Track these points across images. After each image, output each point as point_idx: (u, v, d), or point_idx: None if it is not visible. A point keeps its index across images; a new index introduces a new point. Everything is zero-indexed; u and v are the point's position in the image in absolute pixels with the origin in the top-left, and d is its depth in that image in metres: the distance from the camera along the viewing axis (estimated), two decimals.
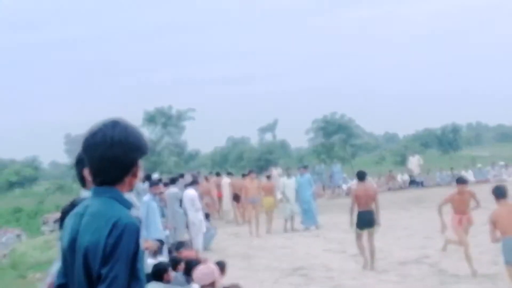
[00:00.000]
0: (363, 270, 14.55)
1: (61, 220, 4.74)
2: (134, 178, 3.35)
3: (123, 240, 3.10)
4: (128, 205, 3.31)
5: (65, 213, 4.49)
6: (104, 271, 3.07)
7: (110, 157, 3.23)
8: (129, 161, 3.28)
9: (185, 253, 11.04)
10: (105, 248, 3.09)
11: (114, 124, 3.30)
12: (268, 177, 25.89)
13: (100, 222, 3.15)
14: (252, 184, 23.40)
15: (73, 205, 4.49)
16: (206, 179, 29.19)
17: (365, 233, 14.87)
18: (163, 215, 17.76)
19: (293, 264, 16.12)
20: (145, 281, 3.28)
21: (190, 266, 9.63)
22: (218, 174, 30.71)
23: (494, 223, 9.95)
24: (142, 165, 3.41)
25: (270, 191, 23.20)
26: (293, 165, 42.23)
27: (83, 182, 5.22)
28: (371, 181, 39.71)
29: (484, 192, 31.52)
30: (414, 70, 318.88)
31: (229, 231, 24.56)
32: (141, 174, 3.42)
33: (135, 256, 3.14)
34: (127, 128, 3.31)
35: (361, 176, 15.34)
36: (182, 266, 9.70)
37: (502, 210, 10.26)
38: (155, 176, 27.02)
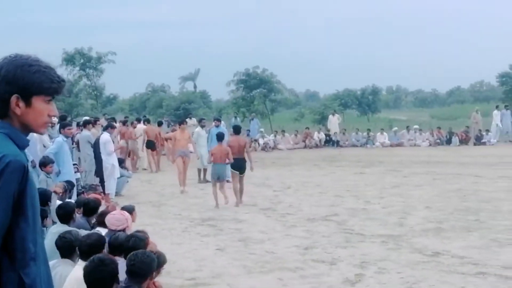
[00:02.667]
0: (236, 207, 17.29)
1: None
2: (17, 108, 3.21)
3: (3, 177, 3.03)
4: (22, 142, 3.23)
5: None
6: None
7: None
8: (1, 94, 3.19)
9: (90, 196, 10.92)
10: None
11: (3, 58, 3.24)
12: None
13: None
14: (182, 135, 21.59)
15: None
16: (125, 124, 28.71)
17: (237, 176, 17.76)
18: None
19: (203, 215, 16.16)
20: (35, 218, 3.22)
21: (89, 208, 9.53)
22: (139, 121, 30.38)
23: None
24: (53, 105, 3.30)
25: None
26: (212, 116, 42.03)
27: None
28: (290, 136, 40.13)
29: (398, 156, 32.35)
30: (340, 31, 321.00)
31: (142, 178, 24.46)
32: (44, 112, 3.29)
33: (22, 193, 3.09)
34: (6, 60, 3.22)
35: (236, 130, 19.24)
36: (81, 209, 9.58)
37: None
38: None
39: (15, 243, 3.12)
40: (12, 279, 3.12)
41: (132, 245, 6.83)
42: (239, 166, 17.74)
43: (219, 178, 17.65)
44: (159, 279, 7.05)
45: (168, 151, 26.40)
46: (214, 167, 17.91)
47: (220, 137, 18.04)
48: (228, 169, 18.14)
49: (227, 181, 18.44)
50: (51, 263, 5.27)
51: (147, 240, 7.13)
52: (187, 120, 38.09)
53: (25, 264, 3.15)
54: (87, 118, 25.60)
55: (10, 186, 3.05)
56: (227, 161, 17.62)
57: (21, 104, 3.20)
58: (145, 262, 6.02)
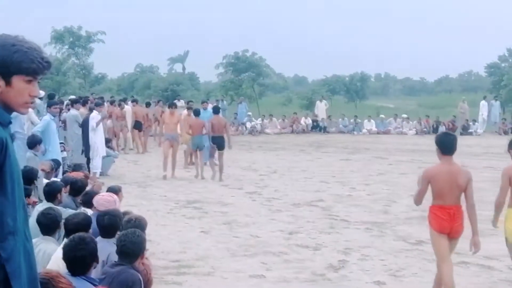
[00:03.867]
0: (212, 180, 18.92)
1: None
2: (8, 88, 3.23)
3: None
4: (2, 118, 3.23)
5: None
6: None
7: None
8: None
9: (74, 174, 10.90)
10: None
11: None
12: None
13: None
14: (171, 118, 20.54)
15: None
16: (113, 104, 28.45)
17: (216, 151, 19.20)
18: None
19: (189, 197, 16.18)
20: (14, 192, 3.21)
21: (76, 188, 9.52)
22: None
23: None
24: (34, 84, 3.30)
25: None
26: (200, 98, 41.98)
27: None
28: (277, 121, 40.13)
29: (384, 143, 32.43)
30: (330, 16, 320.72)
31: (128, 158, 24.43)
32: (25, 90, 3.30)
33: (0, 168, 3.11)
34: None
35: (215, 110, 20.35)
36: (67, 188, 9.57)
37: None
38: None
39: None
40: None
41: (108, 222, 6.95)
42: (218, 143, 19.21)
43: (198, 148, 19.63)
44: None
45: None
46: (193, 139, 20.07)
47: (196, 112, 20.57)
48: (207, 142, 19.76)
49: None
50: (33, 240, 5.27)
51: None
52: (176, 102, 37.99)
53: (3, 238, 3.15)
54: (73, 97, 25.55)
55: None
56: (204, 132, 19.53)
57: (1, 82, 3.20)
58: (136, 242, 6.06)
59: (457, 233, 8.00)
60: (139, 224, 7.14)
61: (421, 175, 8.11)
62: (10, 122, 3.29)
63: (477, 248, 8.08)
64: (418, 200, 8.22)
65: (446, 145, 8.26)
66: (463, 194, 8.19)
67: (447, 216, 7.93)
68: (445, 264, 7.83)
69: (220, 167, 19.21)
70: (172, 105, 21.60)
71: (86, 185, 10.04)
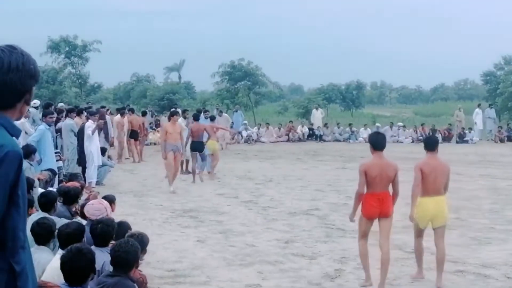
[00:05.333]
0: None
1: None
2: (25, 106, 3.32)
3: (2, 167, 3.06)
4: (16, 132, 3.26)
5: None
6: None
7: (7, 82, 3.16)
8: (24, 87, 3.24)
9: (70, 184, 10.88)
10: None
11: (11, 50, 3.23)
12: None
13: None
14: (174, 128, 19.36)
15: None
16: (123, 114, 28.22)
17: (196, 156, 20.85)
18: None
19: (185, 206, 16.15)
20: (25, 208, 3.25)
21: (69, 197, 9.49)
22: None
23: None
24: (34, 93, 3.37)
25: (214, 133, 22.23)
26: (195, 107, 41.98)
27: None
28: (273, 129, 40.10)
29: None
30: (325, 25, 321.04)
31: (124, 167, 24.39)
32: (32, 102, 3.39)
33: (16, 183, 3.12)
34: (24, 55, 3.24)
35: (196, 117, 21.78)
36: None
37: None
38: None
39: (7, 232, 3.14)
40: (1, 266, 3.14)
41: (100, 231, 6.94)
42: (198, 148, 20.72)
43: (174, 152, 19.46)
44: (141, 268, 7.06)
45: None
46: (192, 144, 21.09)
47: (196, 117, 22.11)
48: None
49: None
50: None
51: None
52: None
53: (15, 253, 3.18)
54: (62, 104, 25.54)
55: (8, 175, 3.09)
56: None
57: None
58: (129, 252, 6.04)
59: (387, 213, 9.44)
60: (141, 240, 7.15)
61: (360, 169, 9.40)
62: (20, 135, 3.34)
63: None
64: (360, 189, 9.44)
65: (377, 143, 9.53)
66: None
67: (377, 201, 9.35)
68: (363, 240, 9.52)
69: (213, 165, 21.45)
70: (174, 114, 20.09)
71: (79, 193, 10.01)
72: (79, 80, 57.01)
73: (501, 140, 39.90)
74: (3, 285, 3.14)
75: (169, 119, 20.30)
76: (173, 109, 26.28)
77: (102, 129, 23.88)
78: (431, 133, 40.02)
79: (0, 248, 3.14)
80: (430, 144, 10.15)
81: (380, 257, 9.43)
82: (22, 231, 3.23)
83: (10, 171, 3.09)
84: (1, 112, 3.22)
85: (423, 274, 9.88)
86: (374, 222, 9.57)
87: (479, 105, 44.25)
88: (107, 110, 30.19)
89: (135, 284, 6.01)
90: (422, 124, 42.69)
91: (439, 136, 39.11)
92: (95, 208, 8.00)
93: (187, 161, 22.43)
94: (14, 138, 3.21)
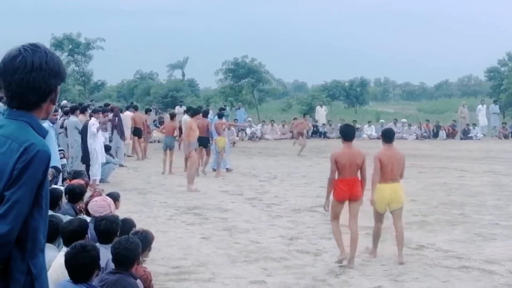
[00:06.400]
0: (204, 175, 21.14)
1: None
2: (51, 105, 3.32)
3: (32, 166, 3.07)
4: (43, 132, 3.26)
5: None
6: (7, 193, 3.05)
7: (30, 82, 3.16)
8: (48, 87, 3.23)
9: (74, 182, 10.87)
10: (12, 171, 3.07)
11: (35, 49, 3.22)
12: (172, 116, 25.55)
13: (13, 145, 3.11)
14: (196, 125, 19.59)
15: None
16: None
17: (203, 149, 21.44)
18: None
19: (189, 203, 16.15)
20: (47, 210, 3.26)
21: (74, 194, 9.48)
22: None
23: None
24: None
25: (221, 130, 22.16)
26: (199, 104, 41.97)
27: None
28: (277, 126, 40.10)
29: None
30: (329, 22, 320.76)
31: (129, 165, 24.39)
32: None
33: (41, 183, 3.14)
34: (47, 53, 3.24)
35: (194, 112, 20.78)
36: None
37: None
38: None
39: (28, 233, 3.15)
40: (20, 268, 3.15)
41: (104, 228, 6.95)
42: (203, 143, 21.07)
43: (167, 148, 22.36)
44: (145, 265, 7.06)
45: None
46: (165, 139, 23.28)
47: (171, 115, 25.08)
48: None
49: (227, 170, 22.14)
50: None
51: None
52: (177, 107, 37.94)
53: (35, 255, 3.20)
54: (64, 101, 25.55)
55: (37, 175, 3.10)
56: (175, 133, 23.20)
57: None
58: (129, 249, 6.04)
59: (356, 197, 10.47)
60: (145, 237, 7.17)
61: (331, 158, 10.44)
62: (46, 135, 3.32)
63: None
64: (332, 175, 10.46)
65: (346, 134, 10.66)
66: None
67: (347, 186, 10.38)
68: (336, 221, 10.56)
69: (206, 162, 22.19)
70: (197, 113, 20.50)
71: (84, 191, 10.00)
72: (83, 78, 57.08)
73: (505, 136, 39.86)
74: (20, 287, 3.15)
75: (192, 116, 20.10)
76: (200, 106, 26.59)
77: (117, 126, 23.98)
78: (435, 130, 40.12)
79: (20, 249, 3.14)
80: (388, 137, 11.02)
81: (350, 236, 10.42)
82: (43, 234, 3.24)
83: (39, 171, 3.10)
84: (27, 112, 3.22)
85: (376, 253, 10.84)
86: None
87: (482, 101, 44.21)
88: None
89: (137, 281, 6.01)
90: (427, 121, 42.62)
91: (443, 133, 39.21)
92: (99, 205, 8.01)
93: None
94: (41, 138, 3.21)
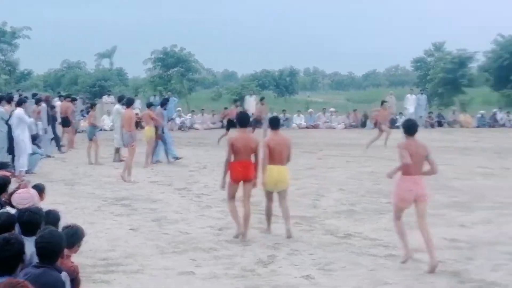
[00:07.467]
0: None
1: None
2: None
3: None
4: None
5: None
6: None
7: None
8: None
9: None
10: None
11: None
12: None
13: None
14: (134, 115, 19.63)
15: None
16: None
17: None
18: None
19: (117, 194, 15.99)
20: None
21: None
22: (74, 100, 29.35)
23: None
24: None
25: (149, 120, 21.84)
26: (128, 94, 41.59)
27: None
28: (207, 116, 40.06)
29: (313, 137, 32.69)
30: (258, 10, 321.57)
31: (56, 155, 24.02)
32: None
33: None
34: None
35: (129, 101, 19.54)
36: None
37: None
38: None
39: None
40: None
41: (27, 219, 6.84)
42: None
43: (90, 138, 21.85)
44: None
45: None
46: (88, 129, 23.12)
47: (91, 105, 25.29)
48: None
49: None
50: None
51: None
52: (104, 97, 37.49)
53: None
54: None
55: None
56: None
57: None
58: (52, 242, 5.92)
59: (250, 178, 11.54)
60: (75, 232, 7.05)
61: (228, 142, 11.71)
62: None
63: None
64: (228, 157, 11.55)
65: (241, 121, 11.87)
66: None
67: (242, 167, 11.43)
68: (232, 200, 11.64)
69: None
70: (133, 101, 20.84)
71: (8, 182, 9.79)
72: (9, 67, 55.98)
73: (432, 125, 40.62)
74: None
75: (128, 106, 19.33)
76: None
77: (52, 115, 23.65)
78: (363, 119, 40.64)
79: None
80: (275, 124, 11.85)
81: (243, 213, 11.50)
82: None
83: None
84: None
85: (270, 230, 11.85)
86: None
87: (411, 91, 44.96)
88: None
89: (63, 274, 5.91)
90: (354, 110, 43.14)
91: (371, 122, 39.71)
92: (22, 197, 7.88)
93: (118, 149, 22.12)
94: None
